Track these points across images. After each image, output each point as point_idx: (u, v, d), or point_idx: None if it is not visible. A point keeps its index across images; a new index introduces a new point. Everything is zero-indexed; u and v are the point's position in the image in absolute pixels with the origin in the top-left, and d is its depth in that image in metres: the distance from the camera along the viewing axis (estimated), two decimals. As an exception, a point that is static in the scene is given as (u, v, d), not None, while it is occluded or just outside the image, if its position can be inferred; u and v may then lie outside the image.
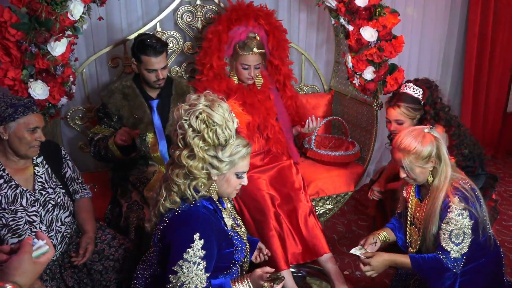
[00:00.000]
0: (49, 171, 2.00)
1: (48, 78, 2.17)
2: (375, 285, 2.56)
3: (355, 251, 2.02)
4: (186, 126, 1.50)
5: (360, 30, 2.60)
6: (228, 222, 1.71)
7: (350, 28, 2.66)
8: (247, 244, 1.77)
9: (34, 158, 1.95)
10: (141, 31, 2.78)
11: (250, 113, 2.56)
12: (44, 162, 1.99)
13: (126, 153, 2.33)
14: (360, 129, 3.06)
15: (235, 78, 2.69)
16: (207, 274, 1.53)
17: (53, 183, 1.99)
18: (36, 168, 1.96)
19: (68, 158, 2.13)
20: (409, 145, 1.86)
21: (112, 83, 2.56)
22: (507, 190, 3.67)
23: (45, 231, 1.91)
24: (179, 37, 2.93)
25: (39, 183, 1.94)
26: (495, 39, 3.94)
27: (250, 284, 1.64)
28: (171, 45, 2.86)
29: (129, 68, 2.81)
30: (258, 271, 1.65)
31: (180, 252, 1.49)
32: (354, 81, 2.79)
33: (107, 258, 2.04)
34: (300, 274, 2.57)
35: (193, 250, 1.48)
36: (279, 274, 1.65)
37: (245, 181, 1.66)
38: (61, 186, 2.02)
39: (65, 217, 2.01)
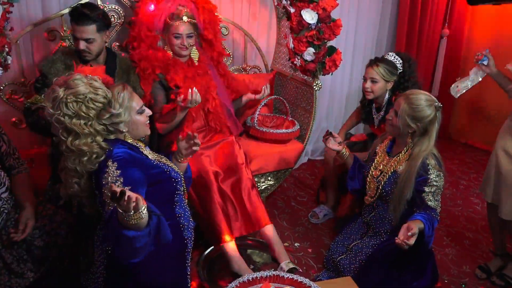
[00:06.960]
0: (-18, 146, 1.91)
1: (-19, 47, 2.06)
2: (311, 254, 2.71)
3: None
4: (61, 118, 1.53)
5: (301, 12, 2.69)
6: (150, 155, 1.77)
7: (292, 10, 2.75)
8: (180, 172, 1.84)
9: None
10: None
11: (191, 87, 2.60)
12: (-23, 136, 1.91)
13: None
14: (300, 108, 3.19)
15: (170, 52, 2.70)
16: None
17: (-13, 159, 1.91)
18: (-31, 142, 1.87)
19: (3, 132, 2.05)
20: (418, 99, 2.08)
21: (53, 54, 2.45)
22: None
23: (-20, 207, 1.84)
24: (121, 11, 2.87)
25: (-28, 158, 1.85)
26: (422, 23, 4.24)
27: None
28: (112, 19, 2.78)
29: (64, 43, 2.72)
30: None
31: (101, 181, 1.52)
32: (295, 62, 2.89)
33: (48, 233, 2.00)
34: (242, 248, 2.66)
35: (108, 173, 1.52)
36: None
37: (148, 111, 1.75)
38: (-5, 162, 1.94)
39: (1, 193, 1.94)
